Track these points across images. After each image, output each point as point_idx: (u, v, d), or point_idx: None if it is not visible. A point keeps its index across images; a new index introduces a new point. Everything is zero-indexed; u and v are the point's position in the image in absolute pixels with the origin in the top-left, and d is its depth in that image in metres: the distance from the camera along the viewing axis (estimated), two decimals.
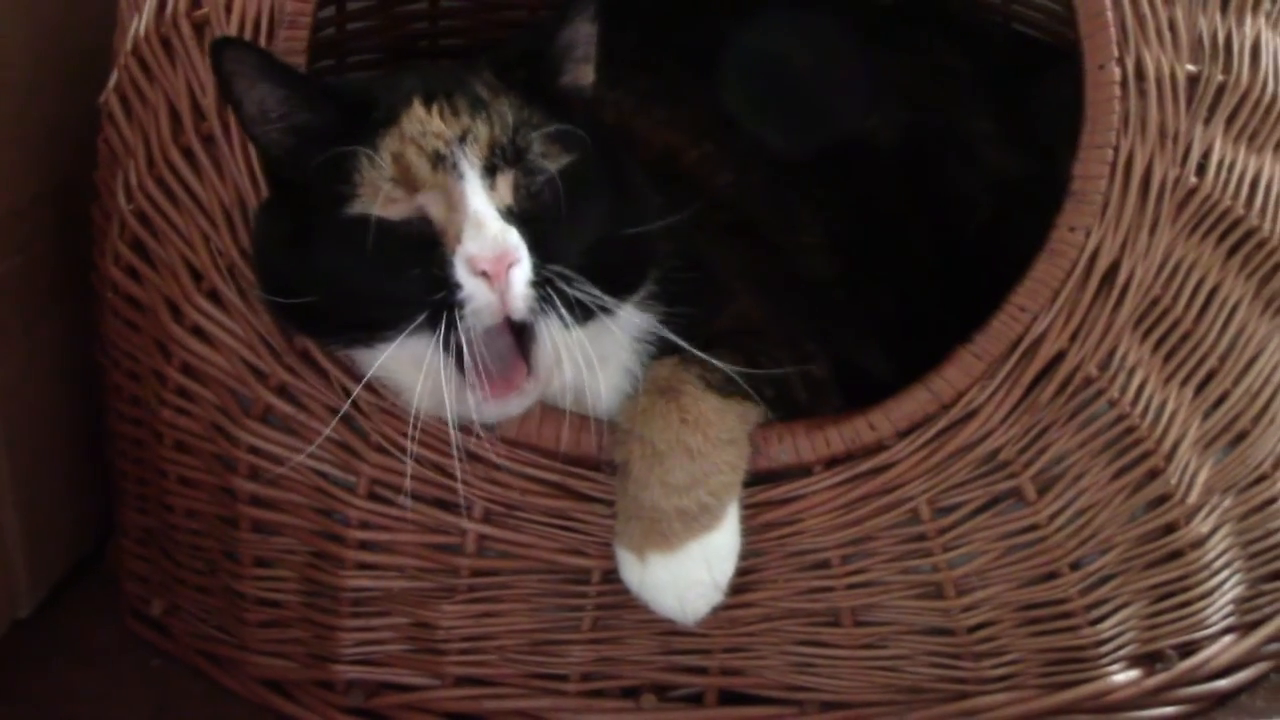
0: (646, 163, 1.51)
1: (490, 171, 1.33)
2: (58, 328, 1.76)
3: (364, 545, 1.53)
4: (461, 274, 1.31)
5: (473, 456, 1.48)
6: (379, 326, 1.34)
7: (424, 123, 1.34)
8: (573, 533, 1.49)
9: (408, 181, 1.33)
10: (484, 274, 1.30)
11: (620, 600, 1.49)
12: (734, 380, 1.45)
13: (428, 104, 1.36)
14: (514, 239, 1.31)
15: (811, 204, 1.68)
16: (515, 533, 1.50)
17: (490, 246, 1.31)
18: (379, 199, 1.33)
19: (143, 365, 1.59)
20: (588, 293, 1.34)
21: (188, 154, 1.51)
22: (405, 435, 1.46)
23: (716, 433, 1.43)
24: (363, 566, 1.54)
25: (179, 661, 1.68)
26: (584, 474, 1.47)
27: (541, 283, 1.32)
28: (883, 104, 1.75)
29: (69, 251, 1.74)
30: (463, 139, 1.33)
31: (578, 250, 1.35)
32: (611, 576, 1.47)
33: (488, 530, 1.50)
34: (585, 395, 1.43)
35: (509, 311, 1.32)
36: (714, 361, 1.44)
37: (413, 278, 1.32)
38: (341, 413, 1.45)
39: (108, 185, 1.61)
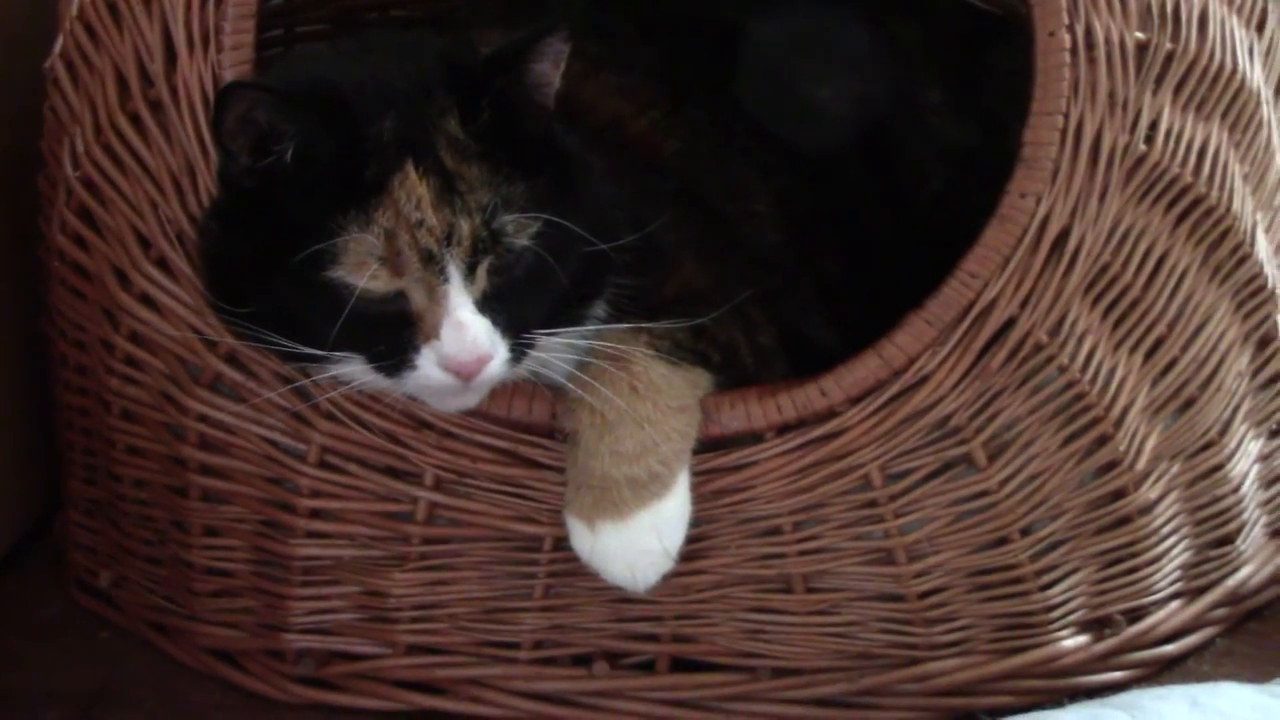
0: (593, 129, 1.51)
1: (471, 269, 1.33)
2: (2, 297, 1.74)
3: (315, 514, 1.53)
4: (430, 364, 1.32)
5: (423, 424, 1.47)
6: (324, 360, 1.35)
7: (418, 202, 1.32)
8: (524, 500, 1.49)
9: (395, 266, 1.32)
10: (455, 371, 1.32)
11: (572, 568, 1.49)
12: (682, 347, 1.45)
13: (419, 168, 1.32)
14: (490, 340, 1.32)
15: (760, 172, 1.68)
16: (466, 500, 1.50)
17: (468, 351, 1.32)
18: (364, 273, 1.31)
19: (90, 334, 1.58)
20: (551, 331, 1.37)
21: (135, 120, 1.50)
22: (356, 403, 1.46)
23: (666, 400, 1.43)
24: (313, 535, 1.53)
25: (127, 633, 1.67)
26: (535, 441, 1.47)
27: (510, 354, 1.34)
28: (834, 74, 1.75)
29: (13, 221, 1.72)
30: (449, 238, 1.31)
31: (549, 303, 1.37)
32: (563, 544, 1.47)
33: (439, 498, 1.50)
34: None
35: (469, 389, 1.35)
36: (661, 329, 1.44)
37: (377, 350, 1.33)
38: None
39: (54, 153, 1.59)
